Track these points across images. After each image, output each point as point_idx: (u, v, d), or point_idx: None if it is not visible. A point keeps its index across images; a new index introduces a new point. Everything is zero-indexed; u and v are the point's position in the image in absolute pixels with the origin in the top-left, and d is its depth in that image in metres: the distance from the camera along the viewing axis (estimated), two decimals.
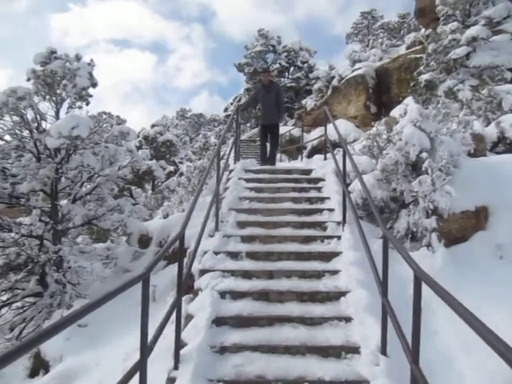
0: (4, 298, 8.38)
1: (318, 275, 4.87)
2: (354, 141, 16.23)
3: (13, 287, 8.16)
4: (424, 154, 5.81)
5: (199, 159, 18.45)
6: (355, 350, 3.84)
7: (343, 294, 4.53)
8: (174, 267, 6.49)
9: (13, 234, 7.91)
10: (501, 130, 9.43)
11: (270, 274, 4.83)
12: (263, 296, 4.50)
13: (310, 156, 14.34)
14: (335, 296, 4.53)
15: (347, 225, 5.70)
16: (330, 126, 9.48)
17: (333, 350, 3.85)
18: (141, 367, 2.66)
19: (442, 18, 14.90)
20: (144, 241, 8.67)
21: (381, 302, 3.79)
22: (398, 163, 6.23)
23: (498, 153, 8.84)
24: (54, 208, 7.86)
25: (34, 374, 5.47)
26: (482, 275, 5.10)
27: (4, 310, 8.40)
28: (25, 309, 8.38)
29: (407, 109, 7.09)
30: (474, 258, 5.57)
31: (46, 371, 5.17)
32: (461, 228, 6.15)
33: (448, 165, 6.08)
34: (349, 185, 6.89)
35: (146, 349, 2.69)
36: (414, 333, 2.74)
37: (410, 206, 6.24)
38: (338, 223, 5.83)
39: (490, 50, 13.17)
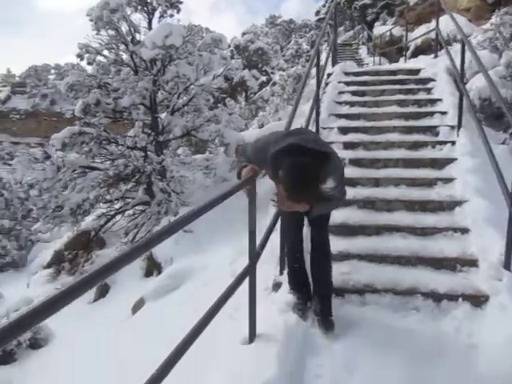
0: (117, 206, 9.10)
1: (430, 183, 4.47)
2: (466, 37, 14.36)
3: (123, 196, 8.78)
4: None
5: (292, 67, 17.70)
6: (472, 262, 3.52)
7: (458, 203, 4.13)
8: None
9: (120, 147, 8.36)
10: None
11: (376, 182, 4.54)
12: (369, 204, 4.26)
13: (413, 57, 12.98)
14: (449, 205, 4.15)
15: (463, 129, 5.09)
16: (440, 21, 8.33)
17: (447, 262, 3.57)
18: (250, 273, 2.63)
19: None
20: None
21: (507, 213, 3.38)
22: None
23: None
24: (154, 120, 8.07)
25: (148, 274, 5.97)
26: None
27: (118, 217, 9.17)
28: (136, 216, 9.06)
29: None
30: None
31: (159, 272, 5.60)
32: None
33: None
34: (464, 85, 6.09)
35: (254, 254, 2.64)
36: None
37: None
38: (452, 127, 5.23)
39: None
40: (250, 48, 22.50)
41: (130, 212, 9.21)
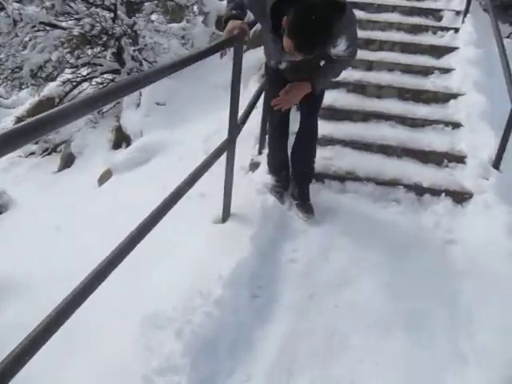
0: (84, 73, 8.38)
1: (426, 71, 4.14)
2: None
3: (91, 62, 8.03)
4: None
5: None
6: (460, 159, 3.37)
7: (454, 96, 3.87)
8: (255, 52, 5.91)
9: (86, 5, 7.41)
10: None
11: (369, 65, 4.16)
12: (359, 88, 3.94)
13: None
14: (444, 97, 3.88)
15: (470, 15, 4.64)
16: None
17: (434, 156, 3.40)
18: (229, 147, 2.37)
19: None
20: (221, 22, 7.91)
21: (505, 110, 3.15)
22: None
23: None
24: None
25: (116, 146, 5.64)
26: None
27: (85, 85, 8.50)
28: (104, 84, 8.41)
29: None
30: None
31: (128, 144, 5.27)
32: None
33: None
34: None
35: (234, 128, 2.35)
36: None
37: None
38: (458, 12, 4.78)
39: None
40: None
41: (99, 80, 8.53)
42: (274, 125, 2.90)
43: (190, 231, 2.63)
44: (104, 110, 7.41)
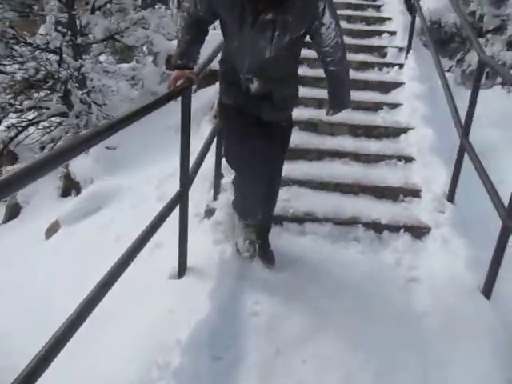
0: (30, 116, 8.08)
1: (376, 107, 4.22)
2: None
3: (37, 106, 7.77)
4: None
5: None
6: (415, 193, 3.39)
7: (404, 130, 3.94)
8: (206, 91, 5.89)
9: (30, 48, 7.21)
10: None
11: (320, 103, 4.17)
12: (311, 126, 3.95)
13: None
14: (394, 132, 3.95)
15: (412, 52, 4.81)
16: None
17: (390, 191, 3.41)
18: (181, 200, 2.25)
19: None
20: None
21: (454, 143, 3.23)
22: None
23: None
24: (71, 18, 6.96)
25: (65, 194, 5.39)
26: None
27: (31, 129, 8.18)
28: (52, 128, 8.13)
29: None
30: None
31: (78, 192, 5.05)
32: None
33: None
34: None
35: (186, 178, 2.24)
36: None
37: (488, 36, 5.22)
38: (401, 49, 4.94)
39: None
40: None
41: (46, 124, 8.24)
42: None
43: (145, 290, 2.46)
44: None
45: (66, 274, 3.18)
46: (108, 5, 7.28)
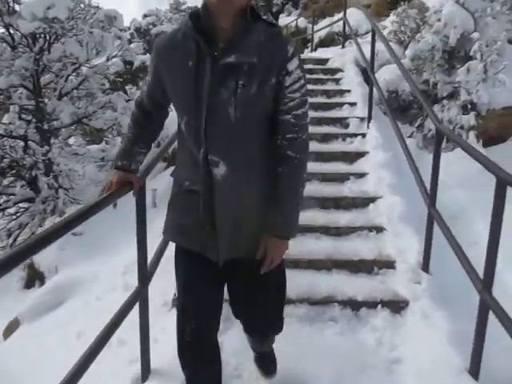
0: None
1: (342, 178, 4.23)
2: (366, 33, 14.75)
3: (2, 192, 7.60)
4: (475, 35, 4.86)
5: None
6: (390, 264, 3.30)
7: (372, 199, 3.93)
8: None
9: None
10: None
11: None
12: None
13: (316, 50, 13.04)
14: (363, 202, 3.93)
15: (373, 121, 4.94)
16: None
17: (363, 264, 3.31)
18: (140, 297, 2.09)
19: None
20: None
21: (422, 210, 3.20)
22: (434, 49, 5.30)
23: None
24: (37, 105, 7.02)
25: (29, 285, 5.11)
26: None
27: None
28: (19, 215, 7.92)
29: None
30: None
31: (42, 283, 4.79)
32: (499, 127, 5.41)
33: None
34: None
35: (145, 275, 2.10)
36: (489, 252, 2.12)
37: (444, 101, 5.44)
38: (362, 119, 5.08)
39: None
40: (151, 32, 21.24)
41: (12, 210, 8.03)
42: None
43: None
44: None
45: (21, 382, 2.89)
46: (75, 91, 7.38)
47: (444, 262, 3.17)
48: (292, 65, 1.49)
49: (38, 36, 6.78)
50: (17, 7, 7.52)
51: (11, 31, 7.03)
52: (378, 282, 3.20)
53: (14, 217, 7.83)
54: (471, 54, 4.89)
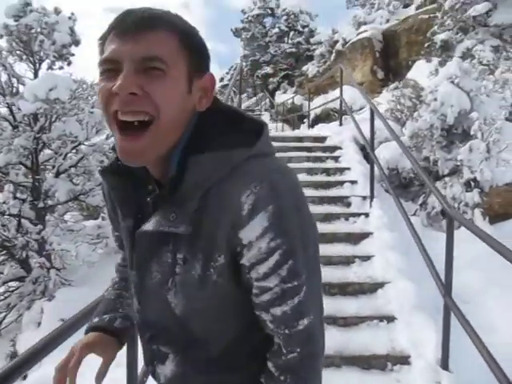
0: None
1: (347, 261, 4.03)
2: (361, 109, 15.20)
3: None
4: (473, 114, 4.89)
5: None
6: (404, 360, 3.02)
7: (380, 285, 3.71)
8: None
9: None
10: None
11: None
12: None
13: (313, 126, 13.35)
14: (370, 288, 3.70)
15: (376, 199, 4.83)
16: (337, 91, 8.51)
17: (375, 360, 3.04)
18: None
19: None
20: None
21: (436, 296, 2.98)
22: (432, 127, 5.32)
23: None
24: (34, 183, 6.95)
25: None
26: None
27: None
28: (9, 294, 7.57)
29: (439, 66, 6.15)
30: None
31: (24, 377, 4.38)
32: (504, 203, 5.31)
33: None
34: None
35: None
36: None
37: (446, 179, 5.38)
38: (364, 198, 4.96)
39: None
40: None
41: (1, 290, 7.69)
42: None
43: None
44: None
45: None
46: (72, 169, 7.36)
47: (464, 356, 2.90)
48: (252, 230, 0.77)
49: (39, 116, 6.86)
50: (21, 88, 7.74)
51: (14, 110, 7.13)
52: (393, 380, 2.90)
53: (2, 297, 7.47)
54: (472, 133, 4.89)
